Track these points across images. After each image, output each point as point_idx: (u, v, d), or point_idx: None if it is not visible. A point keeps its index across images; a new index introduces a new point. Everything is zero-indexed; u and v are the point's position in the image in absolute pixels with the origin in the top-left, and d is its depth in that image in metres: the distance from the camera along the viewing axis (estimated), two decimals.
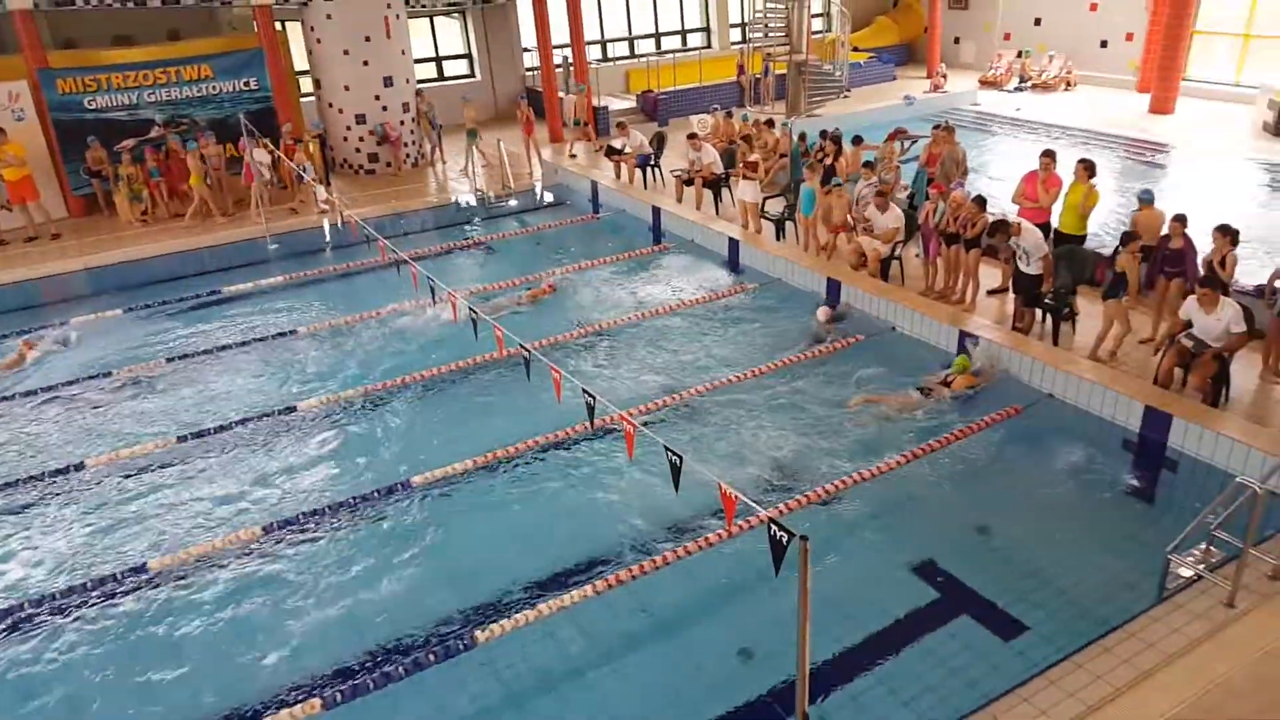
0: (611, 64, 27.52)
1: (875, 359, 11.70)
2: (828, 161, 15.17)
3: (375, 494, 9.37)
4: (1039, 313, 11.60)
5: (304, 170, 18.38)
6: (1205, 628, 7.02)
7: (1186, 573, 7.55)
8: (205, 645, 7.68)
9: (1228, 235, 10.33)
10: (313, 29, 20.36)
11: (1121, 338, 10.70)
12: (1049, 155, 12.50)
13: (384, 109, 20.81)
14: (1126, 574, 7.81)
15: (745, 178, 15.57)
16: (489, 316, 9.22)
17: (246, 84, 19.64)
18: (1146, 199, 11.80)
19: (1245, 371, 10.27)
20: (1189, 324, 9.82)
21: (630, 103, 25.57)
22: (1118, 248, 10.85)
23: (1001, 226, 11.36)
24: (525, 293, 14.27)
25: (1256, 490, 7.01)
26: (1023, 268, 11.43)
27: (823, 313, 12.73)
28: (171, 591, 8.23)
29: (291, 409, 11.07)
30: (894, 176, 14.71)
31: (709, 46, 28.86)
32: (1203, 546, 7.77)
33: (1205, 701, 6.34)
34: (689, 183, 17.31)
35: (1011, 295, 11.85)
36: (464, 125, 21.84)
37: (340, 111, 20.77)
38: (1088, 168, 12.06)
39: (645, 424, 9.98)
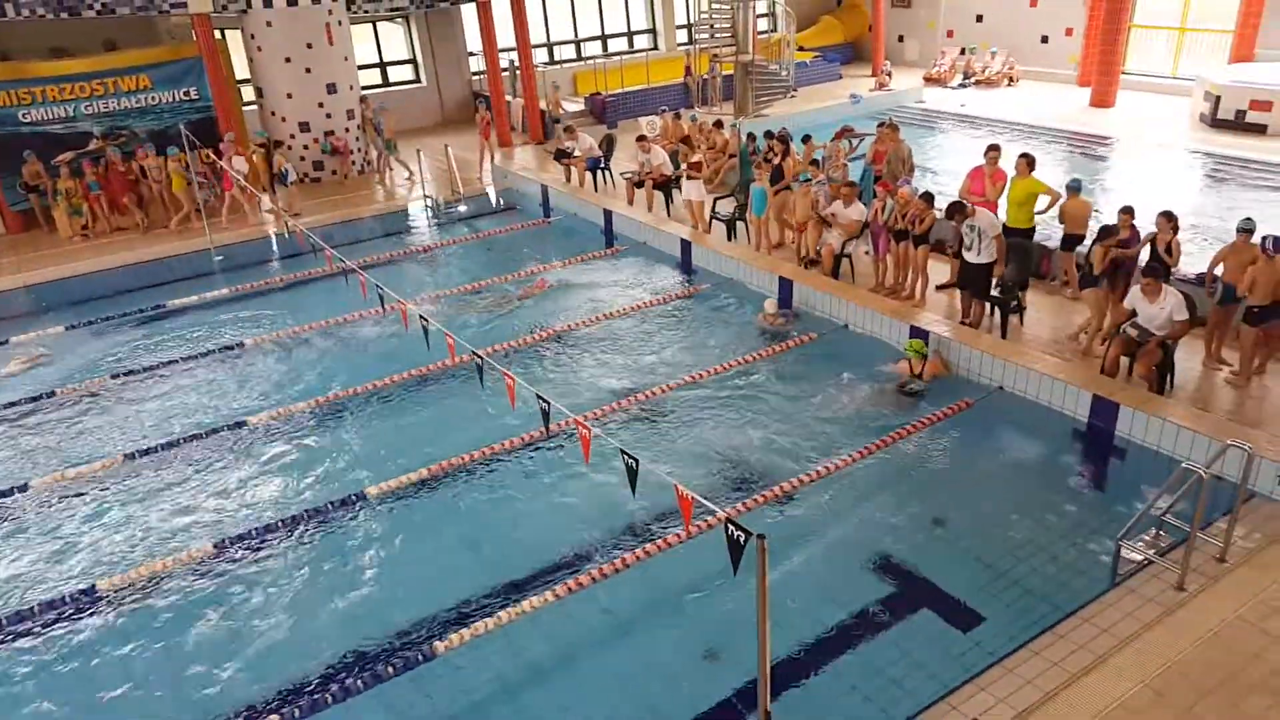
0: (558, 67, 27.47)
1: (829, 356, 11.80)
2: (775, 161, 15.26)
3: (330, 507, 9.29)
4: (987, 306, 11.67)
5: (285, 173, 18.12)
6: (1156, 611, 7.11)
7: (1137, 558, 7.66)
8: (157, 666, 7.55)
9: (1171, 221, 10.46)
10: (253, 37, 20.09)
11: (1100, 325, 10.84)
12: (994, 150, 12.65)
13: (328, 116, 20.68)
14: (1079, 561, 7.90)
15: (689, 178, 15.72)
16: (438, 325, 9.15)
17: (186, 94, 19.37)
18: (1074, 187, 11.91)
19: (1188, 359, 10.41)
20: (1133, 313, 9.91)
21: (579, 105, 25.57)
22: (1094, 241, 11.01)
23: (959, 207, 11.42)
24: (518, 290, 14.42)
25: (1202, 475, 7.12)
26: (971, 258, 11.44)
27: (770, 305, 12.90)
28: (122, 612, 8.09)
29: (241, 423, 10.95)
30: (841, 175, 14.80)
31: (655, 48, 28.93)
32: (1152, 532, 7.91)
33: (1159, 683, 6.44)
34: (639, 185, 17.36)
35: (959, 290, 11.96)
36: (404, 131, 21.94)
37: (283, 120, 20.59)
38: (1029, 162, 12.13)
39: (601, 428, 9.96)
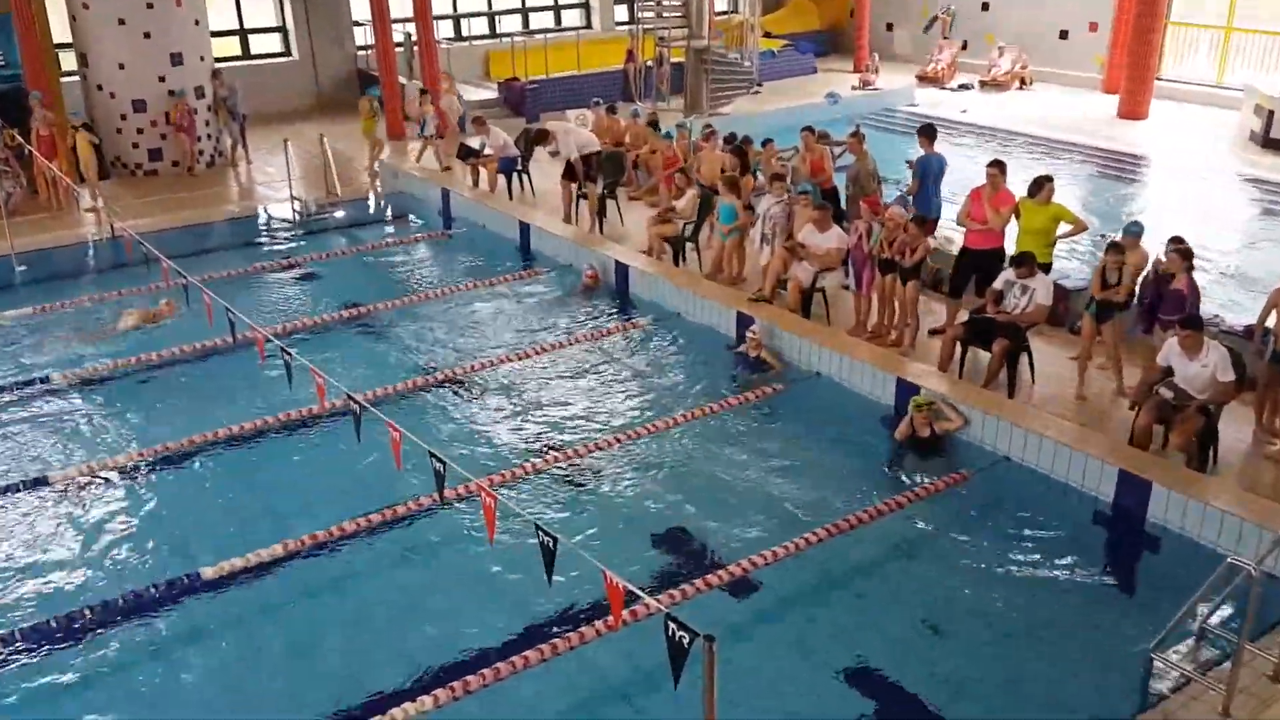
0: (467, 44, 27.54)
1: (798, 410, 11.92)
2: (735, 174, 15.42)
3: (154, 590, 8.97)
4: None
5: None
6: None
7: (1173, 674, 7.59)
8: None
9: (1186, 257, 10.79)
10: None
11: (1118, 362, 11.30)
12: (997, 166, 12.60)
13: (171, 93, 20.35)
14: (1104, 677, 7.84)
15: (661, 219, 15.91)
16: (303, 359, 9.10)
17: None
18: (1135, 232, 11.81)
19: (1235, 429, 10.37)
20: (1168, 371, 9.99)
21: (491, 92, 25.60)
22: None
23: (1026, 259, 11.44)
24: (131, 312, 14.39)
25: (1251, 572, 7.05)
26: (1010, 307, 11.61)
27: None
28: None
29: (42, 480, 10.68)
30: (821, 181, 15.21)
31: (589, 27, 29.11)
32: (1191, 642, 7.87)
33: None
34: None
35: (958, 342, 11.98)
36: (269, 114, 22.13)
37: (113, 96, 20.23)
38: (1050, 186, 12.23)
39: (510, 494, 9.93)
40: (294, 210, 19.36)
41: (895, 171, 18.11)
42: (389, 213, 19.83)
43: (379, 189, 20.71)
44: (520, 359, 13.44)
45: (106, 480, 10.77)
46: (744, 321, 13.51)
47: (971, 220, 12.75)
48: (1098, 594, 8.90)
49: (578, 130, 17.81)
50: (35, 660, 8.27)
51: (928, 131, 14.64)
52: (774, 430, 11.62)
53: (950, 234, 14.34)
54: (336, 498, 10.25)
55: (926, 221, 12.73)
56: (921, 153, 14.65)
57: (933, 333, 12.95)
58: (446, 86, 22.41)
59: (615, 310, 15.02)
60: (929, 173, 14.48)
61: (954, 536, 9.66)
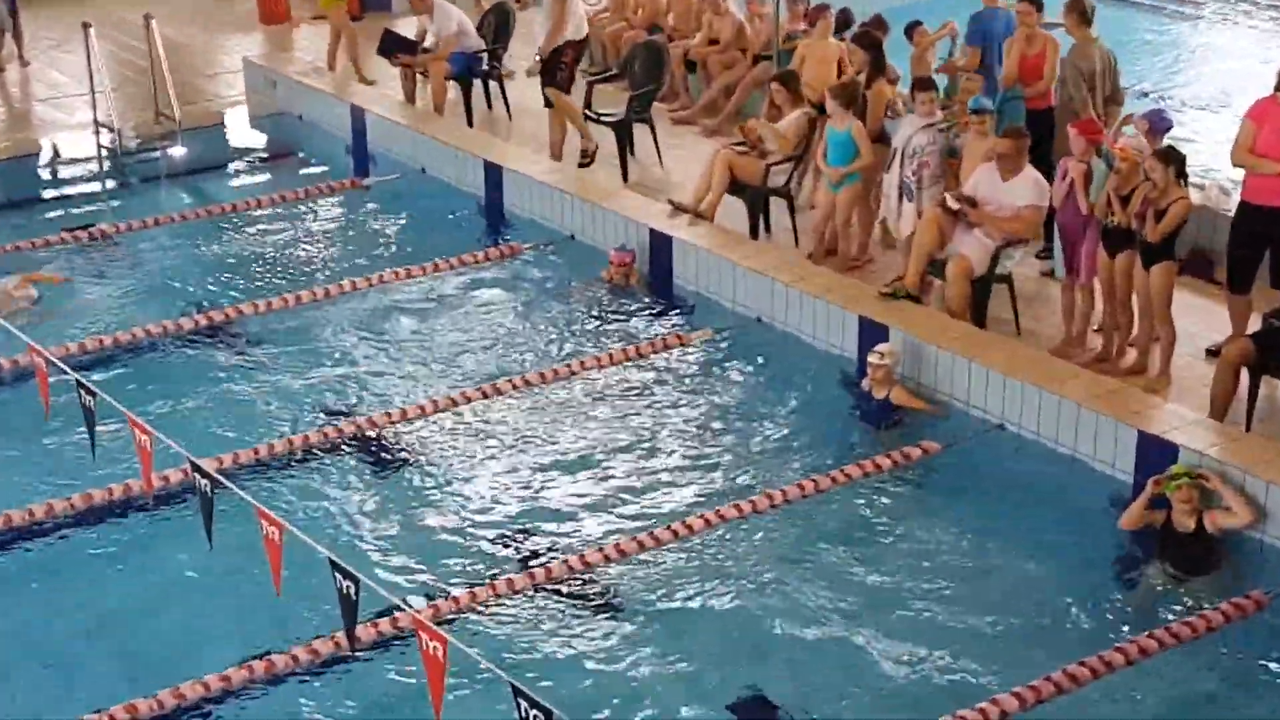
0: None
1: (968, 490, 11.04)
2: (858, 76, 14.18)
3: None
4: None
5: None
6: None
7: None
8: None
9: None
10: None
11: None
12: None
13: None
14: None
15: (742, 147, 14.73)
16: (110, 398, 9.04)
17: None
18: None
19: None
20: None
21: None
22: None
23: None
24: (15, 279, 14.00)
25: None
26: None
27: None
28: None
29: None
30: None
31: None
32: None
33: None
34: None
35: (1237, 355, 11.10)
36: None
37: None
38: None
39: (477, 631, 9.42)
40: (101, 146, 18.15)
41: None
42: (264, 149, 18.71)
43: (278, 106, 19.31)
44: (487, 396, 12.34)
45: None
46: (870, 334, 12.27)
47: (1266, 158, 11.56)
48: None
49: (448, 9, 17.27)
50: None
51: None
52: (926, 521, 10.69)
53: (1212, 181, 13.48)
54: (183, 637, 9.41)
55: (1181, 161, 11.38)
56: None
57: (1209, 353, 11.92)
58: None
59: (653, 314, 13.91)
60: None
61: None
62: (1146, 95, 16.55)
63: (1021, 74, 14.21)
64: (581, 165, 15.89)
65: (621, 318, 14.01)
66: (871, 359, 11.82)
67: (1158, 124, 12.48)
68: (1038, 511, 10.72)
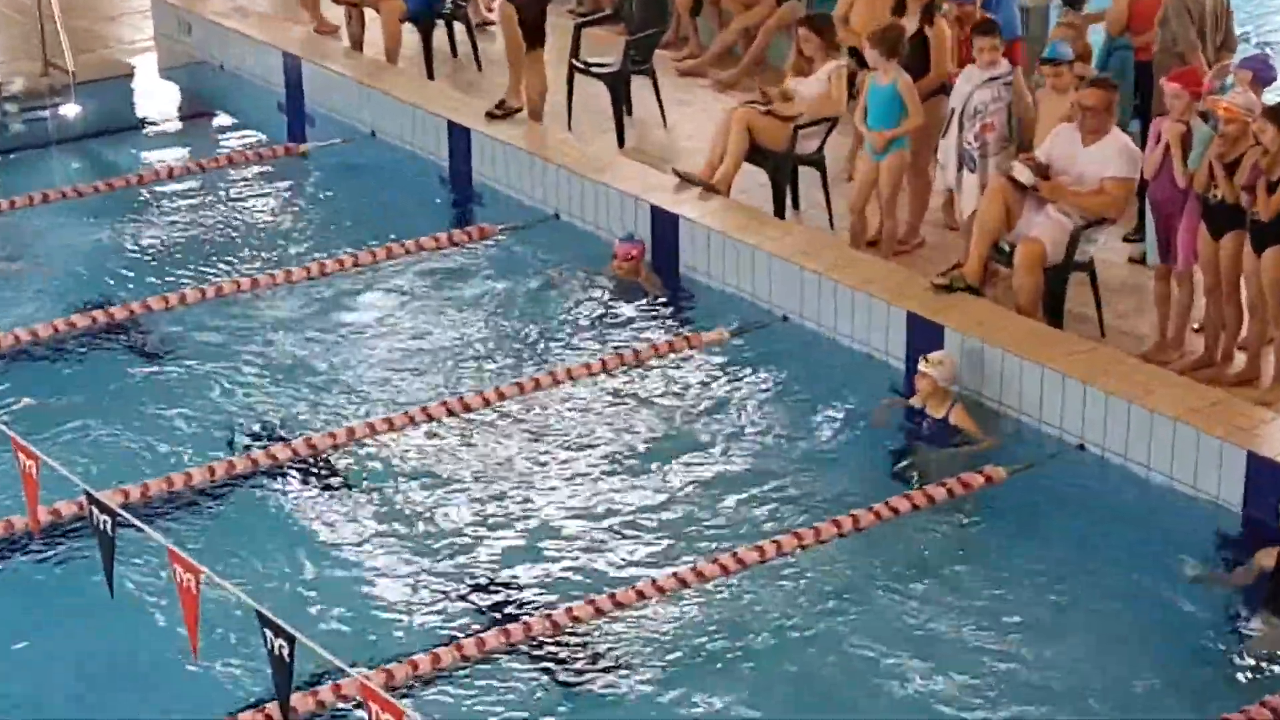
0: None
1: (1039, 525, 10.82)
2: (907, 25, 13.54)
3: None
4: None
5: None
6: None
7: None
8: None
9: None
10: None
11: None
12: None
13: None
14: None
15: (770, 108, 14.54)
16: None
17: None
18: None
19: None
20: None
21: None
22: None
23: None
24: None
25: None
26: None
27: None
28: None
29: None
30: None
31: None
32: None
33: None
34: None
35: None
36: None
37: None
38: None
39: (434, 703, 9.27)
40: None
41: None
42: (178, 107, 18.04)
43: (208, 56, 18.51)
44: (452, 413, 11.98)
45: None
46: (922, 336, 11.90)
47: None
48: None
49: None
50: None
51: None
52: (990, 564, 10.46)
53: None
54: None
55: None
56: None
57: None
58: None
59: (655, 311, 13.55)
60: None
61: None
62: (1268, 45, 16.28)
63: (1132, 19, 13.87)
64: (489, 115, 15.46)
65: (614, 316, 13.59)
66: (923, 365, 11.46)
67: (1264, 73, 12.13)
68: (1126, 551, 10.38)
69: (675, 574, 10.10)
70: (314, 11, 18.95)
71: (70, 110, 17.56)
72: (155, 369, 12.72)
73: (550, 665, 9.52)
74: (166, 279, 14.02)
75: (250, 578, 9.44)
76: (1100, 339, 11.98)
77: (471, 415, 12.13)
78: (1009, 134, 12.86)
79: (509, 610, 9.96)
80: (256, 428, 12.07)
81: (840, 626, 9.78)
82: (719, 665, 9.54)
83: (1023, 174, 12.21)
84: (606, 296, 13.96)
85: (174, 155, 16.75)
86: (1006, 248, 12.24)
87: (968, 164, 12.69)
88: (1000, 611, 9.94)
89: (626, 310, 13.72)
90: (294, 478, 11.46)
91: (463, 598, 10.12)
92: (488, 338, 13.44)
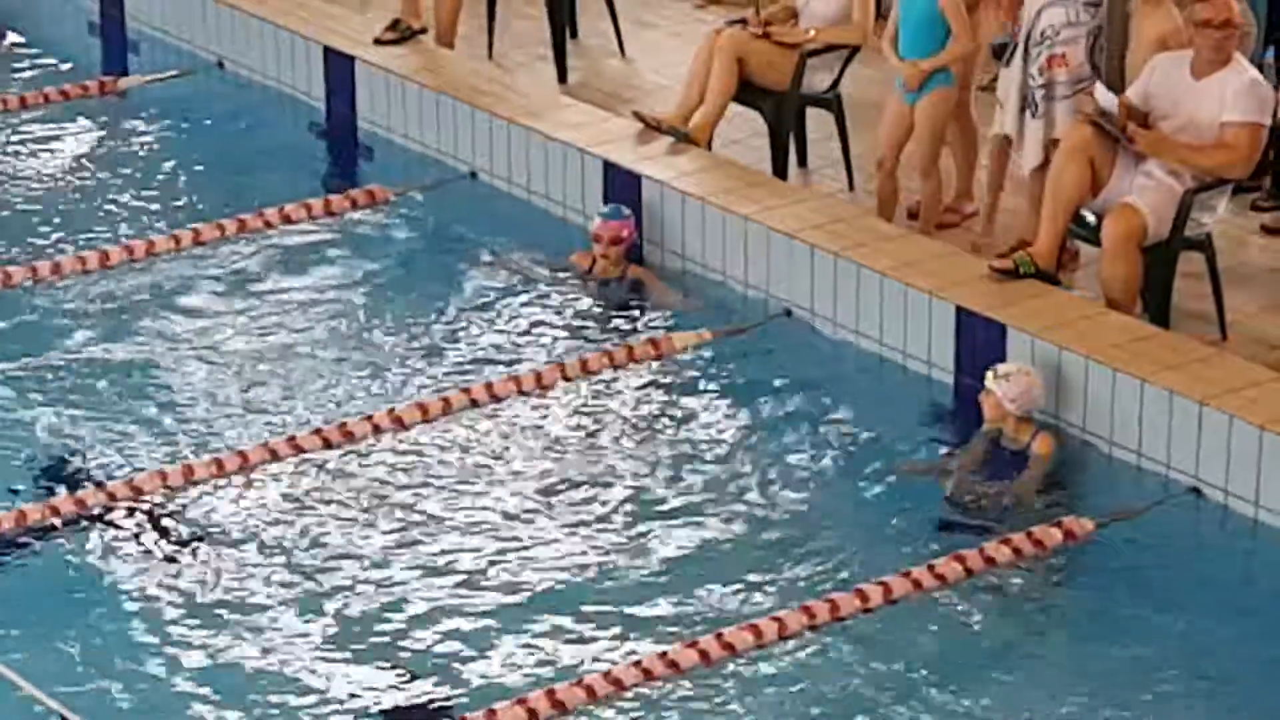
0: None
1: (1153, 587, 10.35)
2: None
3: None
4: None
5: None
6: None
7: None
8: None
9: None
10: None
11: None
12: None
13: None
14: None
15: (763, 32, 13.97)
16: None
17: None
18: None
19: None
20: None
21: None
22: None
23: None
24: None
25: None
26: None
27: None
28: None
29: None
30: None
31: None
32: None
33: None
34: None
35: None
36: None
37: None
38: None
39: None
40: None
41: None
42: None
43: None
44: (331, 446, 11.27)
45: None
46: (974, 337, 11.37)
47: None
48: None
49: None
50: None
51: None
52: (1071, 638, 9.86)
53: None
54: None
55: None
56: None
57: None
58: None
59: (613, 304, 12.84)
60: None
61: None
62: None
63: None
64: (379, 41, 15.04)
65: (557, 309, 12.72)
66: (990, 379, 10.56)
67: None
68: (1256, 621, 9.63)
69: (642, 663, 9.10)
70: None
71: None
72: None
73: None
74: None
75: (58, 668, 8.70)
76: (1221, 342, 11.12)
77: (354, 448, 11.34)
78: (1090, 71, 11.99)
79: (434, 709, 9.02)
80: (55, 465, 11.19)
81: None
82: None
83: (1109, 120, 11.56)
84: (544, 283, 13.26)
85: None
86: (1091, 219, 11.36)
87: (1031, 107, 12.04)
88: (1089, 699, 9.17)
89: (572, 302, 12.97)
90: (119, 529, 10.57)
91: (368, 687, 9.26)
92: (380, 341, 12.57)
